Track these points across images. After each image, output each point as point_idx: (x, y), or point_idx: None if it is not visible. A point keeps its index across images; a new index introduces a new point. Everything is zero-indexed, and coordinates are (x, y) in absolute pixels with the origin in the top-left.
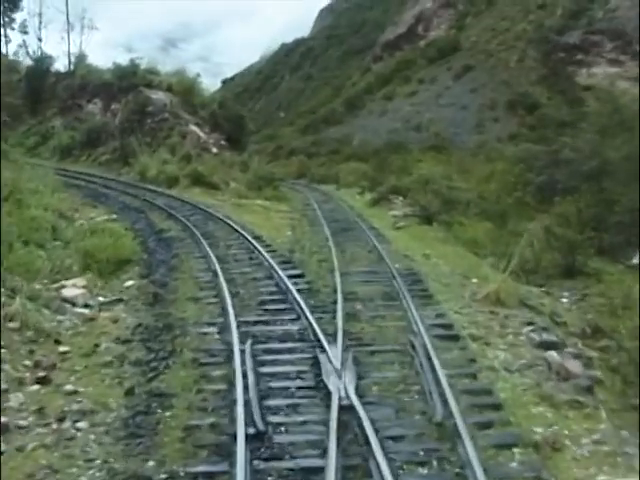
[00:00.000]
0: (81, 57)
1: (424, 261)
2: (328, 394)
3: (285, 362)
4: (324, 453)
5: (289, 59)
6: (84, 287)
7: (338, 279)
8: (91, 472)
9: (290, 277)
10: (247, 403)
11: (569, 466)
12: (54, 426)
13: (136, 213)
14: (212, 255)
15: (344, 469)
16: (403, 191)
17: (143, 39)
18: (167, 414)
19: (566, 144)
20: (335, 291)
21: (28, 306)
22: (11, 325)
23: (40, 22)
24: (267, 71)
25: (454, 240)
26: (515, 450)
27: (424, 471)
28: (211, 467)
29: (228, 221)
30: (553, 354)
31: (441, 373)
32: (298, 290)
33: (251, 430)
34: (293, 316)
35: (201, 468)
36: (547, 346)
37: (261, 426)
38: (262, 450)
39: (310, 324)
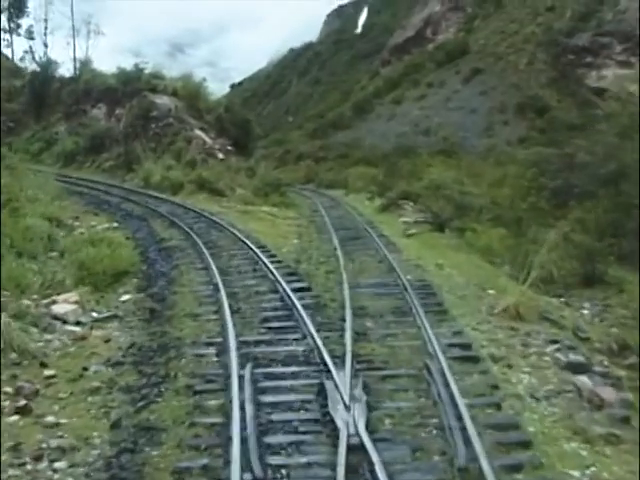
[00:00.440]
0: (86, 62)
1: (437, 271)
2: (335, 429)
3: (288, 390)
4: None
5: (297, 63)
6: (76, 302)
7: (347, 292)
8: None
9: (296, 291)
10: (244, 441)
11: None
12: (29, 467)
13: (138, 221)
14: (214, 267)
15: None
16: (413, 196)
17: (151, 44)
18: (155, 453)
19: (580, 147)
20: (343, 306)
21: (13, 325)
22: None
23: (46, 28)
24: (275, 76)
25: (467, 248)
26: None
27: None
28: None
29: (232, 229)
30: (583, 379)
31: (461, 403)
32: (304, 306)
33: (247, 477)
34: (298, 335)
35: None
36: (575, 368)
37: (258, 471)
38: None
39: (316, 345)
